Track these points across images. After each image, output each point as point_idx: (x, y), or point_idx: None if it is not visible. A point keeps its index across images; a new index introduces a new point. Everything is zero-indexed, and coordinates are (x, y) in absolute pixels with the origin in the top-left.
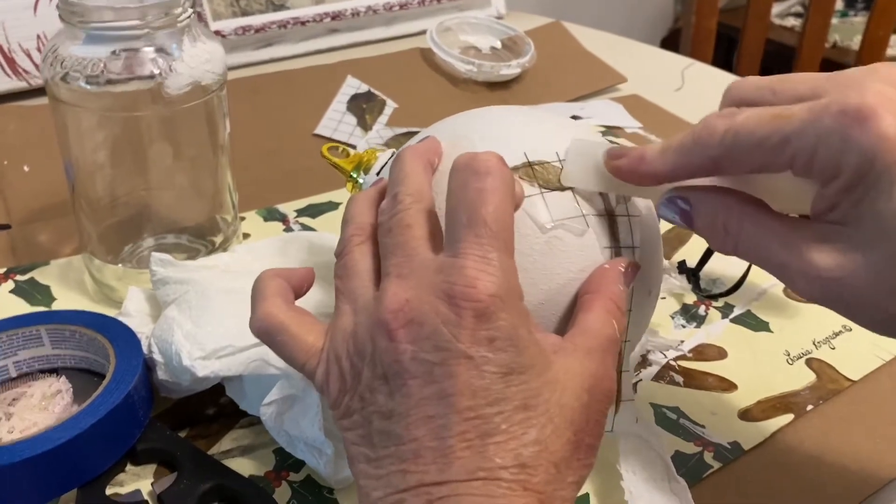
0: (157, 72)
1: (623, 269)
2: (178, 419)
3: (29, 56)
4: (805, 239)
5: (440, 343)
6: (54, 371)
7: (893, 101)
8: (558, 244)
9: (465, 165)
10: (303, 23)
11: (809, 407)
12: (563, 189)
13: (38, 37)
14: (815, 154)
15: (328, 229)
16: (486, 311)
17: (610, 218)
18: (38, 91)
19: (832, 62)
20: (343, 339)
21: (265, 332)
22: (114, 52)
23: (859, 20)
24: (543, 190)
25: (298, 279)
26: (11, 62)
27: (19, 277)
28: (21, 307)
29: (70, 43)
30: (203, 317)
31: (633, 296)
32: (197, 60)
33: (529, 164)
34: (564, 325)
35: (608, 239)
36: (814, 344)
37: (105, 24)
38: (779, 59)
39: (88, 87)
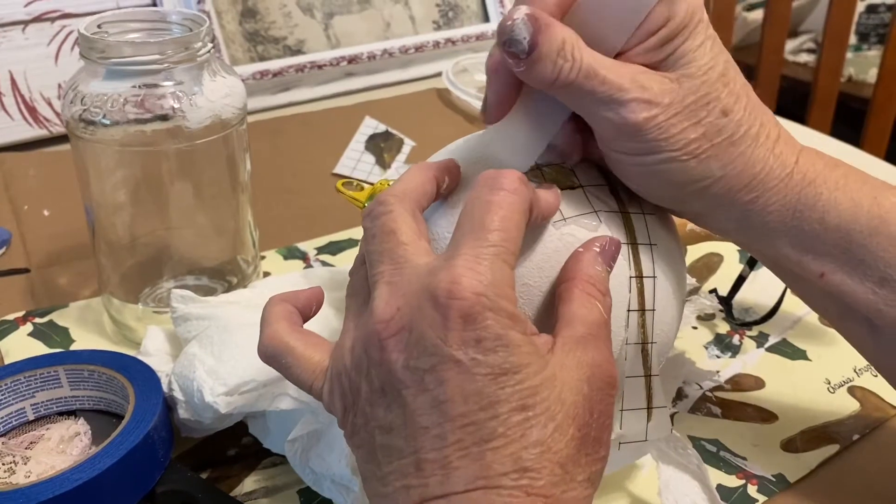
0: (177, 106)
1: (599, 249)
2: (199, 460)
3: (50, 104)
4: (636, 70)
5: (428, 348)
6: (72, 413)
7: None
8: (572, 240)
9: (483, 181)
10: (319, 67)
11: (855, 436)
12: (573, 188)
13: (59, 86)
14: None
15: (348, 266)
16: (471, 311)
17: (624, 216)
18: (59, 139)
19: (849, 95)
20: (343, 355)
21: (271, 355)
22: (134, 88)
23: (873, 54)
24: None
25: (305, 300)
26: (32, 111)
27: (38, 320)
28: (39, 350)
29: (90, 79)
30: (225, 352)
31: (655, 294)
32: (217, 95)
33: (538, 167)
34: None
35: (624, 235)
36: (855, 371)
37: (125, 59)
38: (794, 94)
39: (108, 122)
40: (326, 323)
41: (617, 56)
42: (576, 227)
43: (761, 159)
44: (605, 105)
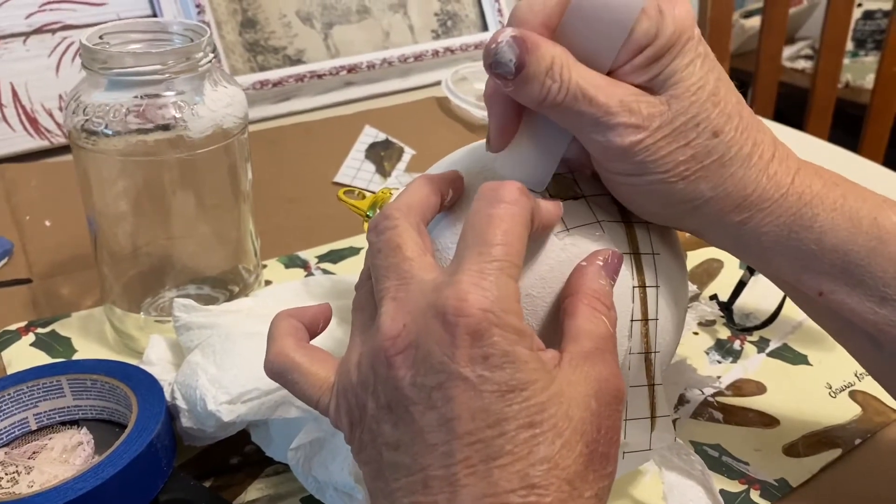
0: (178, 116)
1: (602, 263)
2: (202, 469)
3: (51, 115)
4: (625, 92)
5: (435, 365)
6: (75, 423)
7: None
8: (575, 251)
9: (484, 195)
10: (319, 76)
11: (857, 441)
12: (576, 198)
13: (60, 97)
14: (639, 20)
15: (349, 274)
16: (478, 328)
17: (626, 225)
18: (60, 150)
19: (846, 101)
20: (349, 372)
21: (277, 372)
22: (136, 98)
23: (870, 59)
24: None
25: (312, 317)
26: (34, 122)
27: (40, 330)
28: (42, 359)
29: (92, 90)
30: (227, 361)
31: (658, 304)
32: (218, 104)
33: None
34: None
35: (627, 245)
36: (856, 376)
37: (126, 69)
38: (792, 100)
39: (110, 132)
40: (329, 332)
41: (610, 73)
42: (579, 238)
43: (753, 180)
44: (592, 127)
